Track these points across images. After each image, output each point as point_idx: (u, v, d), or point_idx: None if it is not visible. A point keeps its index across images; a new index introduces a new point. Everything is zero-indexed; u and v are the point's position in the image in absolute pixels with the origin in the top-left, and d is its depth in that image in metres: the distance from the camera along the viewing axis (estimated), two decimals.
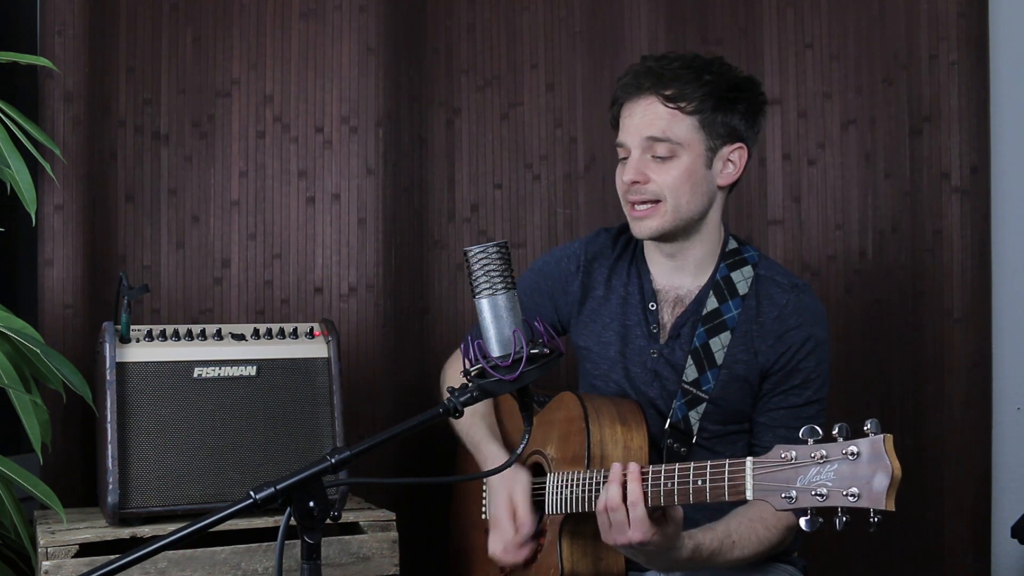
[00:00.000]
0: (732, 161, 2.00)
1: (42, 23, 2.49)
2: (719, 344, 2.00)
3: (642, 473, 1.71)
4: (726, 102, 1.97)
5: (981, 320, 2.70)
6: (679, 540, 1.76)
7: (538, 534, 2.01)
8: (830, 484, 1.39)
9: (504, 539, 2.00)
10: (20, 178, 2.19)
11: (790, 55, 2.83)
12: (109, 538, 2.06)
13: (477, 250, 1.49)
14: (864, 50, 2.80)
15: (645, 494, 1.70)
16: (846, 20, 2.81)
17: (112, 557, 1.35)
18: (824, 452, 1.40)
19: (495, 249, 1.49)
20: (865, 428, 1.38)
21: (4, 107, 2.17)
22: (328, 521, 1.40)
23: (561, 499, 1.91)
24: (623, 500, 1.72)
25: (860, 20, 2.80)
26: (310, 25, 2.71)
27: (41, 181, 2.42)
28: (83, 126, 2.50)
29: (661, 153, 1.96)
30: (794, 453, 1.44)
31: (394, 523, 2.23)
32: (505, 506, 2.01)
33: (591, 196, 2.86)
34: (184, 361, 2.18)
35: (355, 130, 2.71)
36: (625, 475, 1.72)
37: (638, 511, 1.70)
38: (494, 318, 1.49)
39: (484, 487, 2.24)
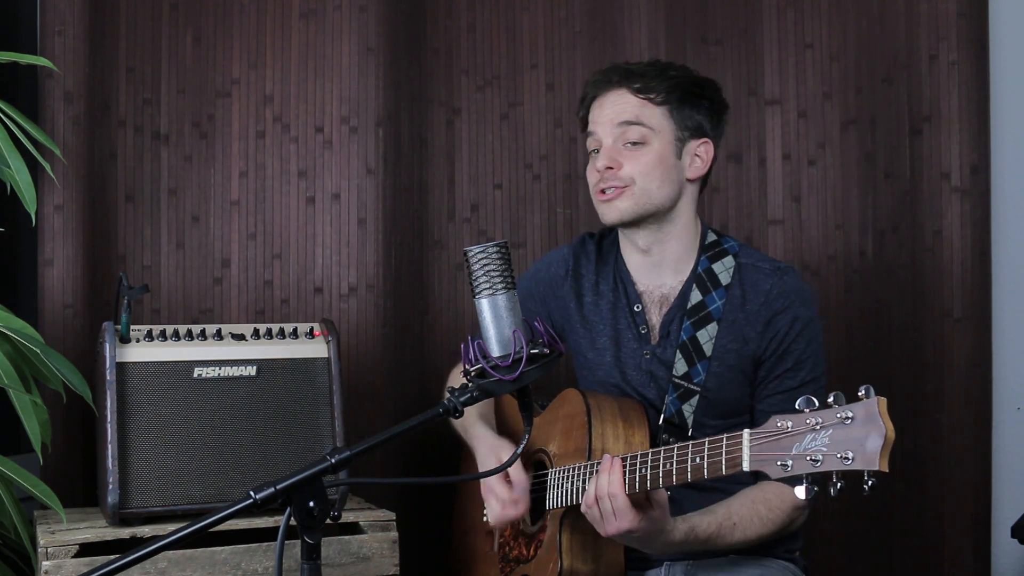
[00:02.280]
0: (699, 156, 2.07)
1: (42, 23, 2.49)
2: (707, 336, 2.02)
3: (641, 456, 1.72)
4: (692, 96, 2.06)
5: (981, 320, 2.70)
6: (669, 523, 1.78)
7: (539, 529, 2.02)
8: (825, 449, 1.40)
9: (500, 498, 2.01)
10: (20, 178, 2.19)
11: (790, 55, 2.83)
12: (109, 538, 2.06)
13: (477, 250, 1.50)
14: (864, 50, 2.80)
15: (634, 481, 1.72)
16: (846, 20, 2.81)
17: (112, 557, 1.35)
18: (819, 419, 1.41)
19: (495, 249, 1.50)
20: (859, 393, 1.40)
21: (4, 107, 2.17)
22: (328, 521, 1.40)
23: (562, 492, 1.92)
24: (604, 495, 1.75)
25: (860, 20, 2.80)
26: (310, 25, 2.71)
27: (41, 181, 2.42)
28: (83, 126, 2.50)
29: (633, 138, 2.02)
30: (790, 423, 1.45)
31: (394, 523, 2.23)
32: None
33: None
34: (184, 361, 2.18)
35: (355, 130, 2.71)
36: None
37: (619, 501, 1.73)
38: (494, 318, 1.50)
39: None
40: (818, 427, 1.41)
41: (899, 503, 2.73)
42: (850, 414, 1.39)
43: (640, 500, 1.74)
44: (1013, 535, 2.47)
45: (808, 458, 1.41)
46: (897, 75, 2.76)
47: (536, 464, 2.11)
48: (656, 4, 2.85)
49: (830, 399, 1.42)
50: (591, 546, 1.94)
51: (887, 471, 1.36)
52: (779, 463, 1.44)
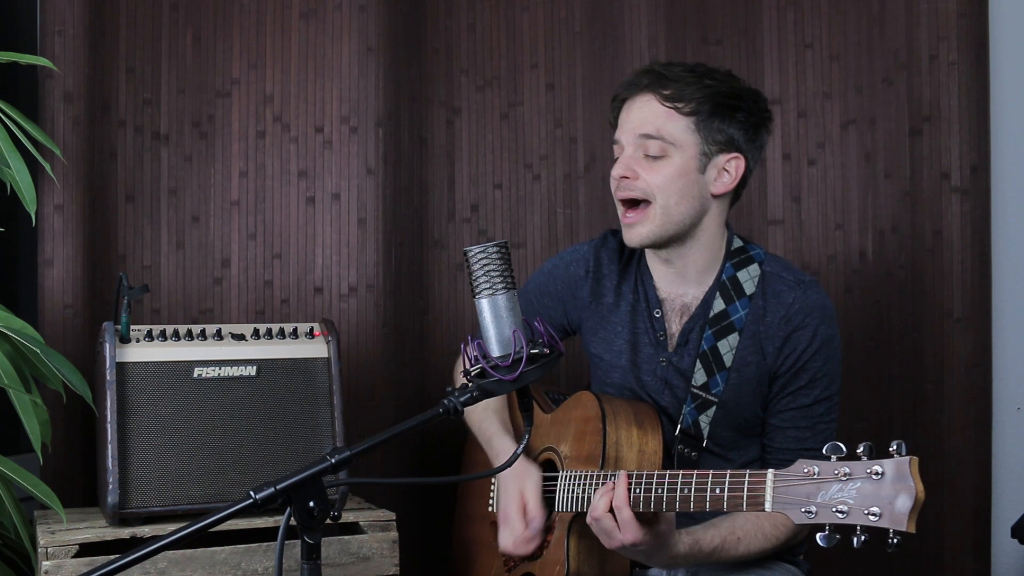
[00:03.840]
0: (727, 171, 1.98)
1: (42, 23, 2.49)
2: (727, 346, 1.99)
3: (659, 477, 1.72)
4: (725, 108, 1.96)
5: (981, 320, 2.70)
6: (673, 537, 1.78)
7: (546, 530, 2.02)
8: (851, 502, 1.39)
9: (514, 533, 2.00)
10: (20, 178, 2.19)
11: (790, 55, 2.83)
12: (109, 538, 2.06)
13: (477, 250, 1.50)
14: (864, 50, 2.80)
15: (649, 500, 1.72)
16: (846, 20, 2.81)
17: (112, 557, 1.35)
18: (847, 469, 1.40)
19: (495, 249, 1.50)
20: (891, 449, 1.38)
21: (4, 107, 2.17)
22: (328, 521, 1.40)
23: (572, 497, 1.92)
24: (607, 509, 1.75)
25: (860, 20, 2.80)
26: (310, 25, 2.71)
27: (41, 181, 2.42)
28: (83, 126, 2.50)
29: (653, 152, 1.95)
30: (817, 469, 1.44)
31: (394, 523, 2.23)
32: (515, 500, 2.01)
33: (591, 196, 2.86)
34: (184, 361, 2.18)
35: (355, 130, 2.71)
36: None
37: (624, 514, 1.73)
38: (494, 318, 1.50)
39: (493, 481, 2.24)
40: (846, 478, 1.40)
41: (915, 531, 2.72)
42: (880, 470, 1.37)
43: (648, 516, 1.74)
44: (1013, 535, 2.47)
45: (833, 509, 1.40)
46: (897, 75, 2.76)
47: (545, 463, 2.10)
48: (656, 4, 2.85)
49: (859, 449, 1.40)
50: (597, 550, 1.94)
51: (914, 532, 1.35)
52: (803, 509, 1.44)
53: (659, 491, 1.71)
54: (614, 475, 1.79)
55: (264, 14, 2.70)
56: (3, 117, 2.17)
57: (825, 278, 2.80)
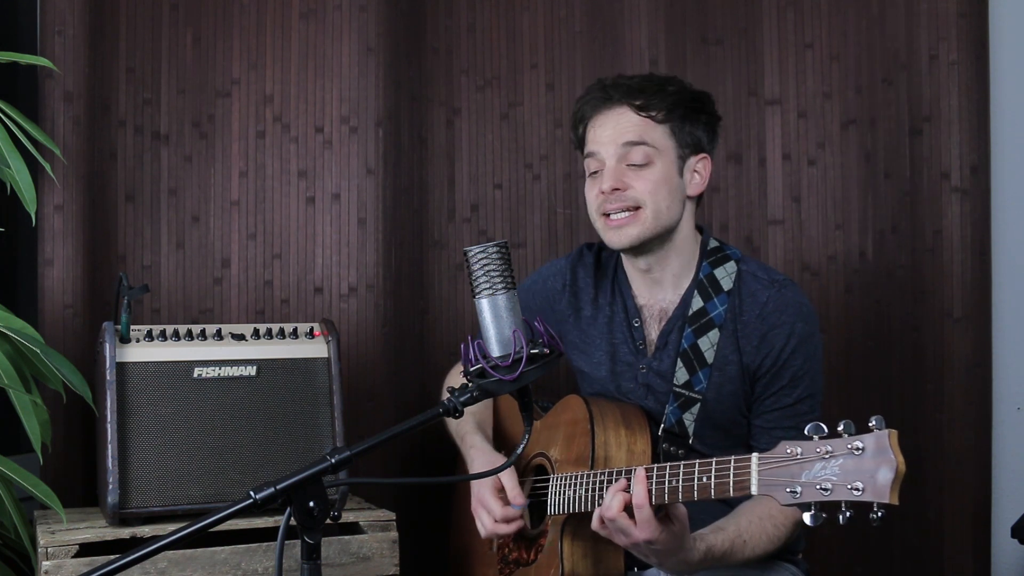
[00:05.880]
0: (698, 172, 2.04)
1: (42, 23, 2.49)
2: (708, 343, 2.00)
3: (646, 471, 1.71)
4: (691, 112, 2.03)
5: (981, 320, 2.70)
6: (688, 541, 1.76)
7: (539, 534, 2.02)
8: (835, 478, 1.40)
9: (492, 513, 2.00)
10: (20, 178, 2.19)
11: (790, 55, 2.83)
12: (109, 538, 2.07)
13: (477, 250, 1.50)
14: (864, 50, 2.80)
15: (649, 492, 1.70)
16: (846, 20, 2.81)
17: (112, 557, 1.35)
18: (829, 448, 1.41)
19: (495, 249, 1.50)
20: (870, 424, 1.39)
21: (4, 107, 2.18)
22: (328, 521, 1.40)
23: (564, 499, 1.91)
24: (623, 508, 1.71)
25: (860, 20, 2.81)
26: (310, 25, 2.71)
27: (41, 181, 2.42)
28: (83, 126, 2.50)
29: (637, 160, 1.98)
30: (799, 449, 1.45)
31: (394, 523, 2.23)
32: (489, 484, 2.01)
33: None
34: (184, 361, 2.18)
35: (355, 130, 2.71)
36: (628, 481, 1.72)
37: (644, 512, 1.70)
38: (494, 318, 1.50)
39: None
40: (828, 456, 1.41)
41: (899, 502, 2.72)
42: (860, 445, 1.38)
43: (661, 514, 1.72)
44: (1013, 535, 2.47)
45: (817, 486, 1.41)
46: (897, 75, 2.76)
47: (537, 468, 2.10)
48: (656, 4, 2.85)
49: (840, 427, 1.41)
50: (591, 552, 1.94)
51: (897, 504, 1.36)
52: (788, 489, 1.44)
53: (648, 486, 1.70)
54: (628, 472, 1.75)
55: (264, 14, 2.70)
56: (3, 117, 2.17)
57: (825, 278, 2.80)
